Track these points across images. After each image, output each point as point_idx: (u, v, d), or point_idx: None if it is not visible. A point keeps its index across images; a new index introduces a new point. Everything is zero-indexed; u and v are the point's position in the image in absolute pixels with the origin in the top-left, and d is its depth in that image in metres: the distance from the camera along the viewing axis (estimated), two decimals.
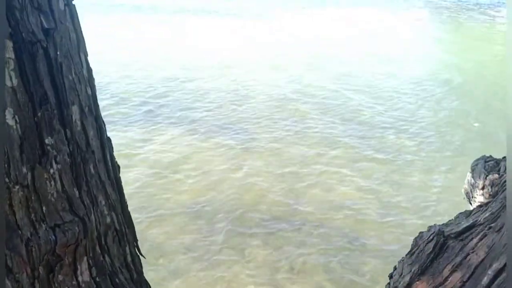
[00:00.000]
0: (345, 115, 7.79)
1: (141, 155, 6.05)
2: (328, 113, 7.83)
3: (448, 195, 5.25)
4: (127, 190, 1.41)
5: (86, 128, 1.12)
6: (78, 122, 1.09)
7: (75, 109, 1.08)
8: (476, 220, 1.27)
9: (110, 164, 1.26)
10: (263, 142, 6.56)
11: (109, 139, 1.31)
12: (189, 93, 8.57)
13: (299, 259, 4.21)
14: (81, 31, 1.17)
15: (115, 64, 9.94)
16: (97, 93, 1.25)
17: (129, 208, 1.39)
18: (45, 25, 1.00)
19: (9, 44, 0.93)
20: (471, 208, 2.58)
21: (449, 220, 1.68)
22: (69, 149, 1.06)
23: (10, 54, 0.93)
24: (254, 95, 8.60)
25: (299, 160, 6.06)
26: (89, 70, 1.20)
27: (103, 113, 1.28)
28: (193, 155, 6.11)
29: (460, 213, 1.60)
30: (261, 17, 18.86)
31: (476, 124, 8.01)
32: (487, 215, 1.22)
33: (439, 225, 1.54)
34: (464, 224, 1.31)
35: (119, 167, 1.39)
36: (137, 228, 1.46)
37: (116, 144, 1.37)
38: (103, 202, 1.19)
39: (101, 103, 1.26)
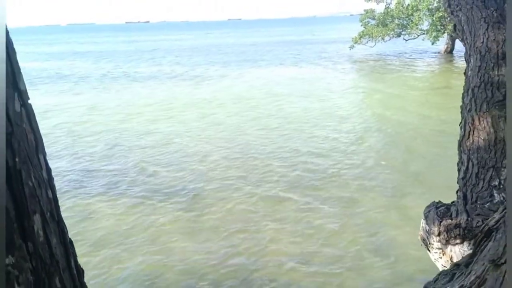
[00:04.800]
0: None
1: None
2: None
3: None
4: None
5: (49, 237, 1.01)
6: (41, 232, 0.98)
7: (36, 218, 0.97)
8: (463, 285, 1.26)
9: (75, 271, 1.13)
10: None
11: (71, 243, 1.20)
12: None
13: None
14: (38, 131, 1.10)
15: None
16: None
17: None
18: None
19: None
20: (430, 254, 2.60)
21: (428, 283, 1.66)
22: (32, 265, 0.94)
23: None
24: None
25: None
26: (49, 171, 1.11)
27: None
28: None
29: (441, 273, 1.59)
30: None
31: (383, 162, 9.12)
32: (472, 278, 1.21)
33: None
34: None
35: (83, 271, 1.26)
36: None
37: None
38: None
39: None
